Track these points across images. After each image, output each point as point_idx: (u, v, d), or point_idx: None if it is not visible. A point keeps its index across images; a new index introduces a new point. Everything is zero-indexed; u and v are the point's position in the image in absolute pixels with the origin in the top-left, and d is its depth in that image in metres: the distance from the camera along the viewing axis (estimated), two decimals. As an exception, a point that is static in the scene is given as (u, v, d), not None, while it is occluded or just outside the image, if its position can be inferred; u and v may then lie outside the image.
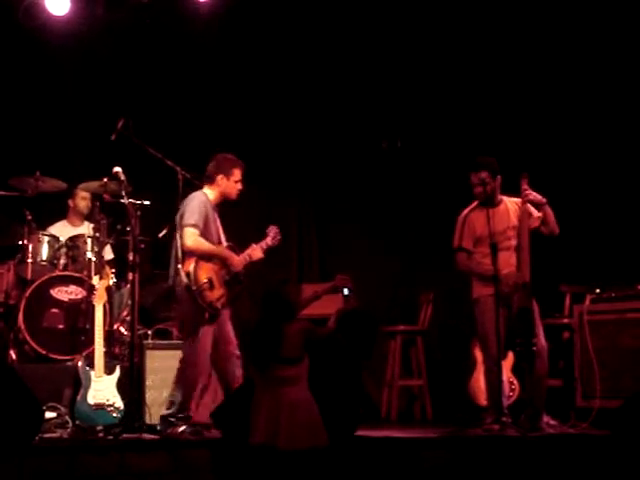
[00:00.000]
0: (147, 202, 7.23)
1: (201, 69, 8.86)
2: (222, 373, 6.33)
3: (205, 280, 6.09)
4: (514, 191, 6.50)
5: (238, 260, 6.30)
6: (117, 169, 6.48)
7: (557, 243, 6.71)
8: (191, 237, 6.12)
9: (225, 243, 6.40)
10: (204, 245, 6.17)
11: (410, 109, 8.85)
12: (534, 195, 6.46)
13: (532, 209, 6.48)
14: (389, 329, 8.28)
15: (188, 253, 6.14)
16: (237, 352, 6.32)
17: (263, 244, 6.46)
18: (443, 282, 8.31)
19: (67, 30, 8.30)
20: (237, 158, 6.42)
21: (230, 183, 6.37)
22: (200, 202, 6.25)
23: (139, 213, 6.88)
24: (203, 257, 6.16)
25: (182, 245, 6.17)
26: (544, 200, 6.47)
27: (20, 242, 7.37)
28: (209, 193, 6.38)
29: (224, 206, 8.66)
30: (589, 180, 8.16)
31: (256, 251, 6.41)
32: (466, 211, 6.57)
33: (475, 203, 6.55)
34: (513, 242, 6.42)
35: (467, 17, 8.51)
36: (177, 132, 8.62)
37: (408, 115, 8.86)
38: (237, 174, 6.38)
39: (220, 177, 6.35)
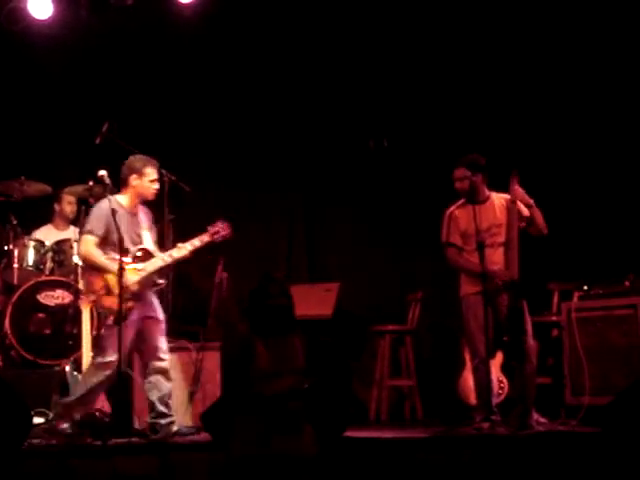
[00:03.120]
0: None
1: (186, 71, 8.84)
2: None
3: (101, 286, 6.12)
4: (505, 188, 6.50)
5: (128, 281, 6.12)
6: (102, 172, 6.44)
7: (545, 241, 6.71)
8: (84, 245, 6.22)
9: (148, 247, 6.35)
10: (93, 257, 6.18)
11: (397, 108, 8.83)
12: (522, 195, 6.45)
13: (522, 208, 6.46)
14: (378, 329, 8.26)
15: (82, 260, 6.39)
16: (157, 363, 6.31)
17: (196, 241, 6.39)
18: (432, 281, 8.31)
19: (51, 33, 8.27)
20: (151, 157, 6.35)
21: (144, 183, 6.33)
22: (101, 210, 6.23)
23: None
24: (92, 267, 6.21)
25: (77, 251, 6.46)
26: (531, 201, 6.46)
27: (6, 247, 7.34)
28: (122, 198, 6.34)
29: (211, 207, 8.69)
30: (577, 177, 8.15)
31: (181, 250, 6.35)
32: (452, 208, 6.57)
33: (462, 200, 6.56)
34: (499, 239, 6.41)
35: (453, 16, 8.50)
36: (162, 135, 8.61)
37: (395, 114, 8.83)
38: (150, 173, 6.33)
39: (133, 177, 6.33)
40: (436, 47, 8.59)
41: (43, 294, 7.17)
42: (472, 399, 6.72)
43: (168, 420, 6.30)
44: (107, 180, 6.40)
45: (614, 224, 7.92)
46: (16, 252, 7.31)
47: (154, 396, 6.29)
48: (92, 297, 6.17)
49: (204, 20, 8.54)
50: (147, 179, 6.34)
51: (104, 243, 6.21)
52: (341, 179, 8.96)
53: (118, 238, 6.01)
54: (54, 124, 8.65)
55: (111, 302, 6.07)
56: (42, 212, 7.95)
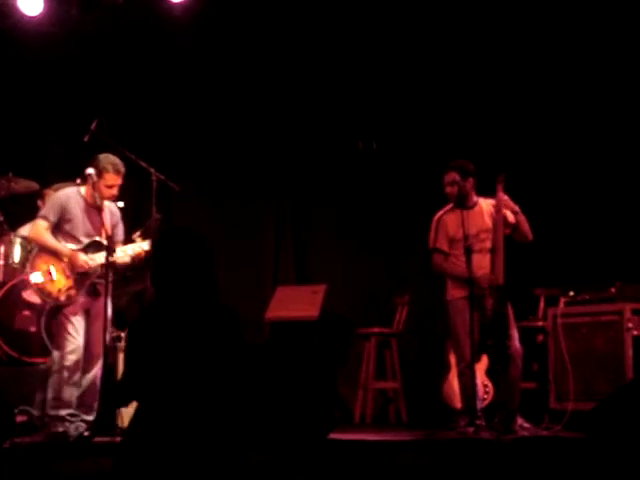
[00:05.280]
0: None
1: (175, 70, 8.84)
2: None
3: (45, 270, 6.30)
4: (490, 192, 6.52)
5: (81, 261, 6.28)
6: (90, 171, 6.43)
7: (531, 246, 6.72)
8: (35, 228, 6.41)
9: (103, 240, 6.34)
10: (43, 238, 6.33)
11: (386, 110, 8.84)
12: (507, 201, 6.46)
13: (508, 214, 6.47)
14: (363, 331, 8.27)
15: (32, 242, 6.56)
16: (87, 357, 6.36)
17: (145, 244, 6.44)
18: (418, 284, 8.32)
19: (40, 30, 8.25)
20: (115, 164, 6.34)
21: (101, 184, 6.34)
22: (57, 198, 6.44)
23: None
24: (43, 249, 6.35)
25: (27, 233, 6.68)
26: (516, 208, 6.48)
27: (-9, 244, 7.31)
28: (83, 190, 6.44)
29: (199, 207, 8.67)
30: (564, 183, 8.18)
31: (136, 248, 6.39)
32: (440, 213, 6.58)
33: (450, 205, 6.57)
34: (487, 244, 6.43)
35: (441, 21, 8.51)
36: (151, 133, 8.60)
37: (384, 116, 8.85)
38: (108, 179, 6.33)
39: (94, 174, 6.34)
40: (425, 51, 8.61)
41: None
42: (457, 403, 6.74)
43: (74, 419, 6.25)
44: (95, 178, 6.38)
45: (601, 230, 7.95)
46: (2, 249, 7.27)
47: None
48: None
49: (194, 19, 8.53)
50: (104, 183, 6.35)
51: (57, 230, 6.36)
52: (329, 181, 8.96)
53: (85, 225, 6.32)
54: (43, 121, 8.63)
55: (51, 288, 6.26)
56: (29, 209, 7.90)
